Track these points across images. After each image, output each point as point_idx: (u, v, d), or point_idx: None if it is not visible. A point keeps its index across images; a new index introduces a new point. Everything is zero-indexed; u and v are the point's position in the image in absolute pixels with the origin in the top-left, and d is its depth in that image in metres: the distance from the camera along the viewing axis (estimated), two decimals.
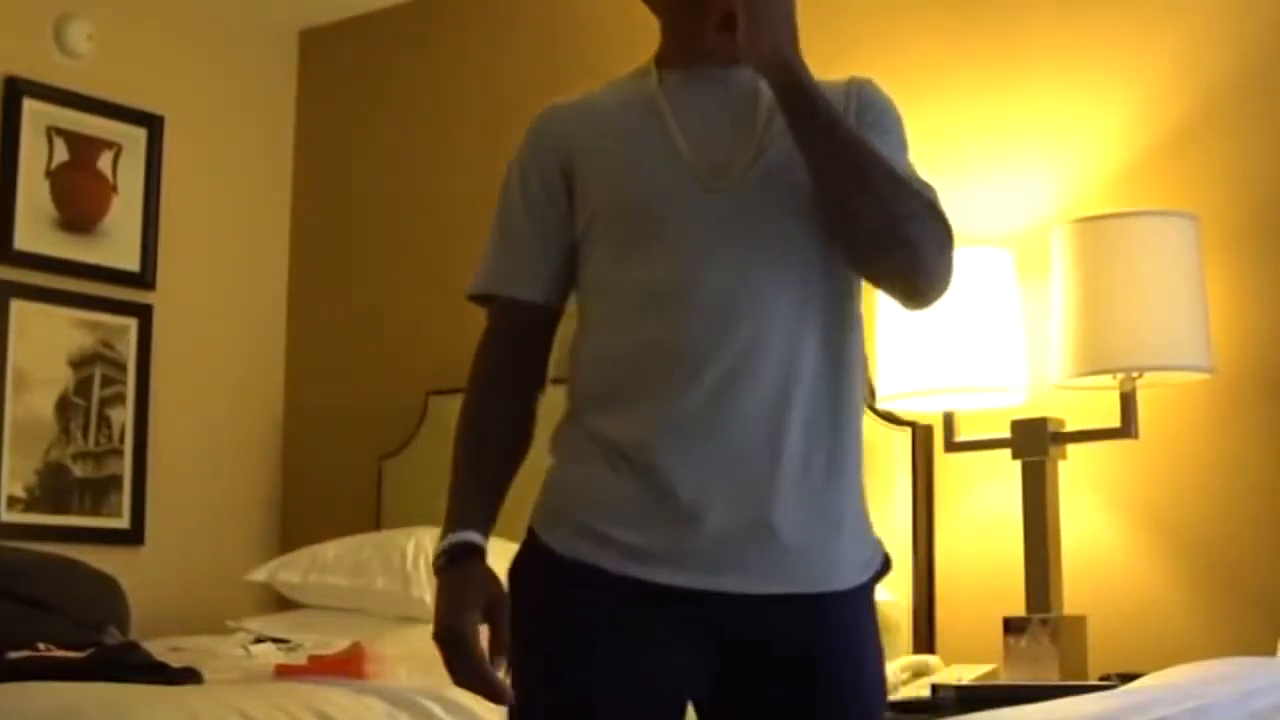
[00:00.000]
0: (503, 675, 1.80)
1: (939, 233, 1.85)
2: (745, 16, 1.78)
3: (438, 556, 1.85)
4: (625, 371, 1.86)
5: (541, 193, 1.95)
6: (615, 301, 1.88)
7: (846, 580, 1.87)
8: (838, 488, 1.87)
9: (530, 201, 1.96)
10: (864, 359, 1.96)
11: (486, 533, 1.87)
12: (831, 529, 1.86)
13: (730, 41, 1.80)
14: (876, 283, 1.91)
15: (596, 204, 1.91)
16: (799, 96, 1.81)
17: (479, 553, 1.84)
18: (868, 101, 1.95)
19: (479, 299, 2.00)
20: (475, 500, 1.89)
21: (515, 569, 1.90)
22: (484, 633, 1.81)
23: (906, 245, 1.83)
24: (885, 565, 1.95)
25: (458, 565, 1.83)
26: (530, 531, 1.90)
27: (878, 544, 1.95)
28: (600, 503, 1.84)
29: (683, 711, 1.87)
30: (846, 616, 1.88)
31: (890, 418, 3.67)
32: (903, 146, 1.96)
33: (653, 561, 1.81)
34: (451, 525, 1.86)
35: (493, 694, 1.80)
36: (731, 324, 1.81)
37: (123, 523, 4.48)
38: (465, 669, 1.80)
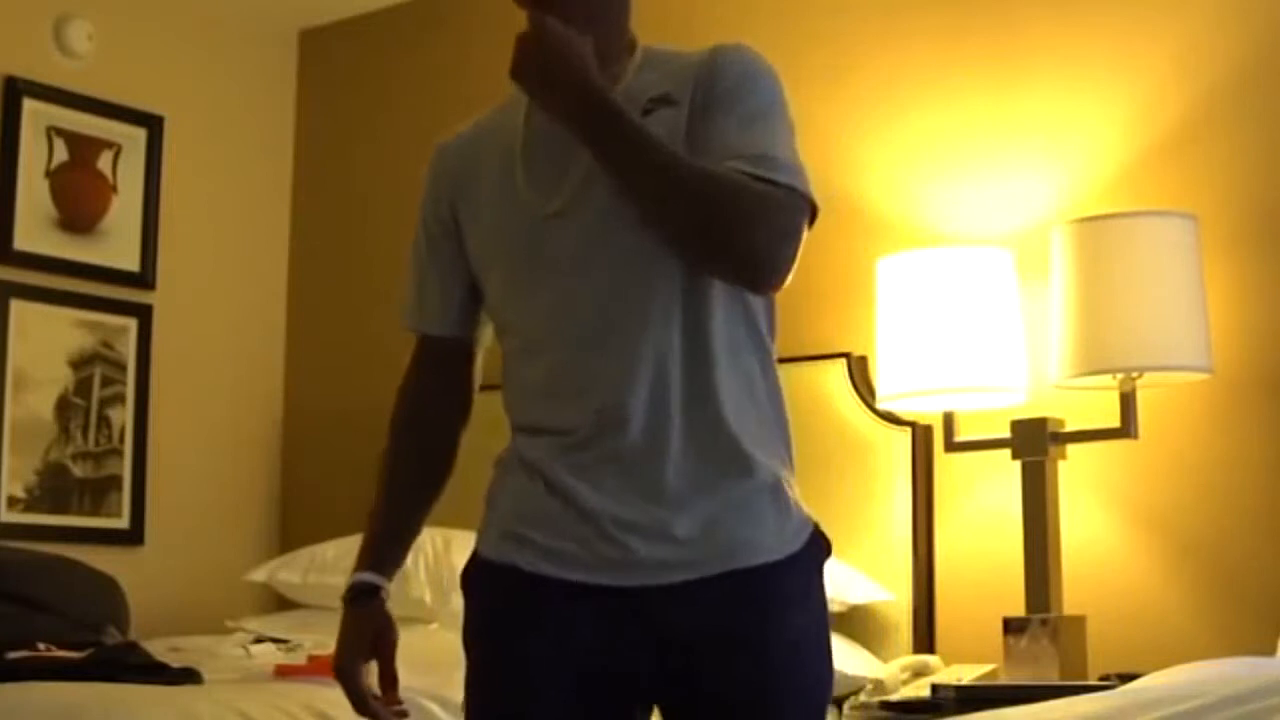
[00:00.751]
0: (396, 706, 1.97)
1: (761, 222, 1.82)
2: (525, 65, 1.88)
3: (344, 594, 2.03)
4: (530, 400, 1.95)
5: (438, 232, 2.06)
6: (507, 335, 1.99)
7: (749, 559, 1.88)
8: (733, 477, 1.89)
9: (430, 240, 2.07)
10: (758, 338, 1.95)
11: (389, 571, 2.03)
12: (731, 517, 1.88)
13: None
14: (713, 275, 1.89)
15: (470, 243, 2.01)
16: (592, 131, 1.83)
17: (374, 593, 2.00)
18: (720, 70, 1.91)
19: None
20: (380, 541, 2.04)
21: (463, 578, 2.03)
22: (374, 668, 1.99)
23: (731, 245, 1.84)
24: (817, 546, 1.96)
25: (353, 606, 2.01)
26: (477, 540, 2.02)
27: (803, 522, 1.95)
28: (519, 510, 1.94)
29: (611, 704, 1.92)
30: (761, 594, 1.89)
31: (890, 418, 3.67)
32: (761, 113, 1.90)
33: (567, 561, 1.89)
34: (359, 564, 2.03)
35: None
36: (601, 343, 1.88)
37: (122, 523, 4.48)
38: (354, 702, 1.98)
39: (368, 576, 2.01)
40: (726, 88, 1.89)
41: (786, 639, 1.90)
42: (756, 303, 1.94)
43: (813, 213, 1.88)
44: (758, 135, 1.87)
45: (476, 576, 2.00)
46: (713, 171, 1.82)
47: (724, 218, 1.81)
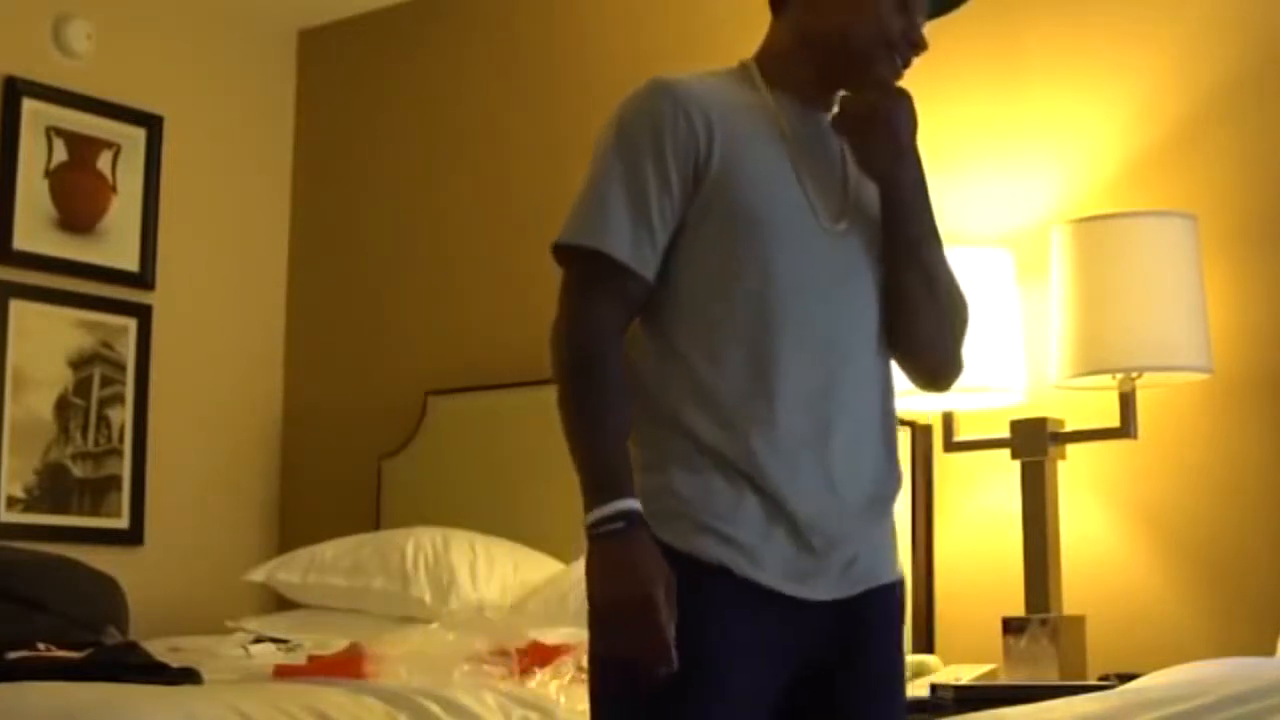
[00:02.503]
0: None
1: (964, 336, 2.06)
2: (861, 130, 1.99)
3: (603, 520, 1.82)
4: (734, 381, 1.89)
5: (676, 171, 1.90)
6: (725, 310, 1.90)
7: (890, 575, 2.00)
8: (890, 510, 2.02)
9: (663, 174, 1.90)
10: None
11: (637, 499, 1.84)
12: (885, 544, 2.01)
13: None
14: (909, 367, 2.07)
15: (726, 205, 1.91)
16: (900, 209, 2.01)
17: (645, 522, 1.83)
18: None
19: (579, 252, 1.91)
20: (622, 463, 1.86)
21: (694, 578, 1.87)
22: None
23: (947, 353, 2.05)
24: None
25: (630, 533, 1.81)
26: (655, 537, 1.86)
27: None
28: (723, 514, 1.87)
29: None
30: (889, 610, 2.00)
31: None
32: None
33: (765, 569, 1.87)
34: (610, 491, 1.83)
35: (669, 660, 1.79)
36: (836, 358, 1.93)
37: (122, 523, 4.48)
38: (646, 636, 1.78)
39: (630, 503, 1.82)
40: None
41: (900, 654, 2.04)
42: None
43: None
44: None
45: (699, 580, 1.85)
46: (957, 283, 2.07)
47: (955, 330, 2.06)
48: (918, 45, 2.07)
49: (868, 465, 1.96)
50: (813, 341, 1.91)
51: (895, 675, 2.02)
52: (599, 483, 1.83)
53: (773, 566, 1.87)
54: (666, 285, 1.92)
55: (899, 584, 2.01)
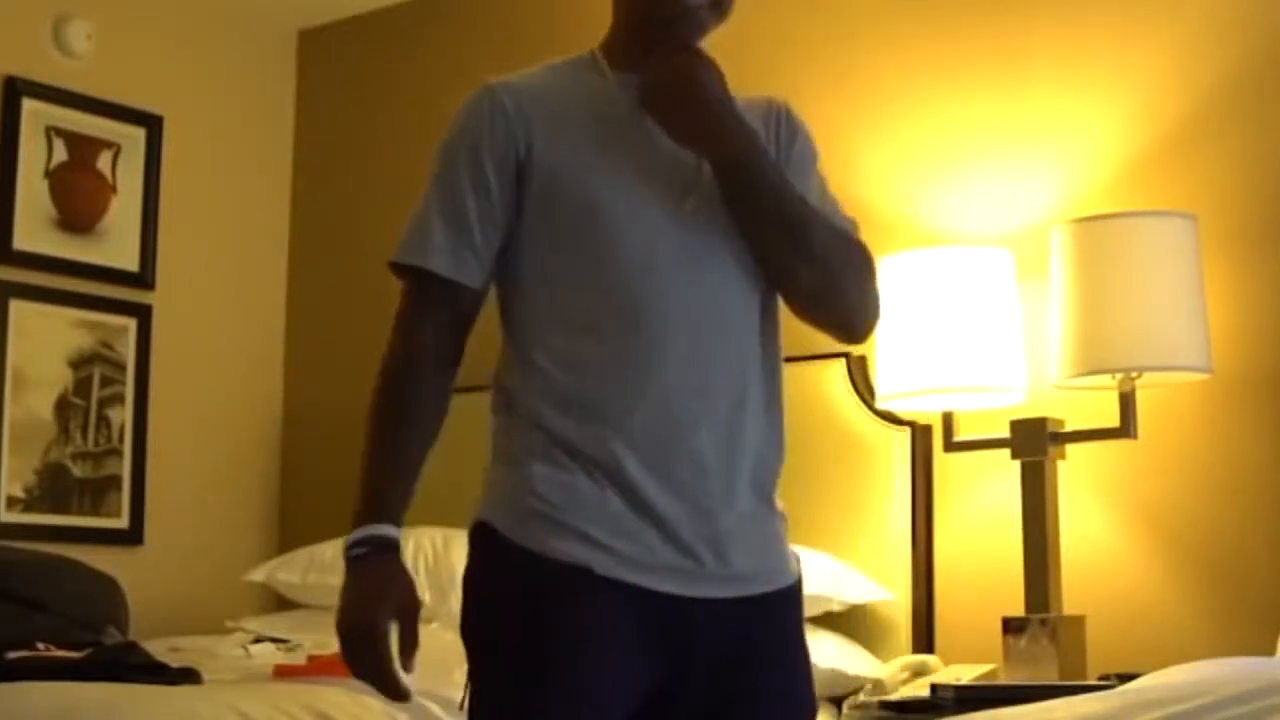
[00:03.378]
0: (409, 675, 1.81)
1: (868, 277, 1.96)
2: (661, 100, 1.87)
3: (352, 545, 1.85)
4: (591, 379, 1.86)
5: (494, 175, 1.90)
6: (574, 306, 1.87)
7: (779, 582, 1.93)
8: (774, 495, 1.94)
9: (480, 182, 1.91)
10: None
11: (401, 524, 1.87)
12: (771, 534, 1.93)
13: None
14: (814, 326, 1.98)
15: (556, 199, 1.88)
16: (735, 173, 1.87)
17: (396, 548, 1.85)
18: (793, 130, 2.02)
19: (405, 269, 1.94)
20: (394, 490, 1.88)
21: (483, 567, 1.90)
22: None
23: (844, 299, 1.94)
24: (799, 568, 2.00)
25: (373, 559, 1.83)
26: (492, 530, 1.88)
27: (793, 554, 2.00)
28: (578, 508, 1.84)
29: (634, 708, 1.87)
30: (779, 616, 1.93)
31: (890, 418, 3.67)
32: (822, 176, 2.04)
33: (634, 567, 1.83)
34: (370, 514, 1.85)
35: (395, 693, 1.81)
36: (698, 345, 1.86)
37: (122, 523, 4.48)
38: (371, 665, 1.80)
39: (387, 529, 1.84)
40: (801, 145, 2.02)
41: (803, 662, 1.97)
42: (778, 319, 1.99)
43: None
44: (832, 205, 2.01)
45: (517, 571, 1.85)
46: (835, 226, 1.94)
47: (845, 277, 1.93)
48: (718, 3, 1.93)
49: (746, 451, 1.88)
50: (665, 326, 1.85)
51: (793, 683, 1.94)
52: (360, 506, 1.87)
53: (640, 564, 1.82)
54: (514, 287, 1.93)
55: (793, 586, 1.94)
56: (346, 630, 1.82)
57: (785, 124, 2.01)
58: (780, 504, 1.97)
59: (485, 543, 1.90)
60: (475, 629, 1.88)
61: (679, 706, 1.86)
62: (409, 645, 1.82)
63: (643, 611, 1.82)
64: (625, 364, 1.85)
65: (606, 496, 1.83)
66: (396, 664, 1.79)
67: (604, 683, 1.81)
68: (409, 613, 1.82)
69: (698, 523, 1.84)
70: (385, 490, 1.88)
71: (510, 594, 1.86)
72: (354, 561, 1.85)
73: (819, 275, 1.90)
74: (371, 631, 1.79)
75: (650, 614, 1.82)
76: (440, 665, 3.30)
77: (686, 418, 1.85)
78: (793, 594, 1.94)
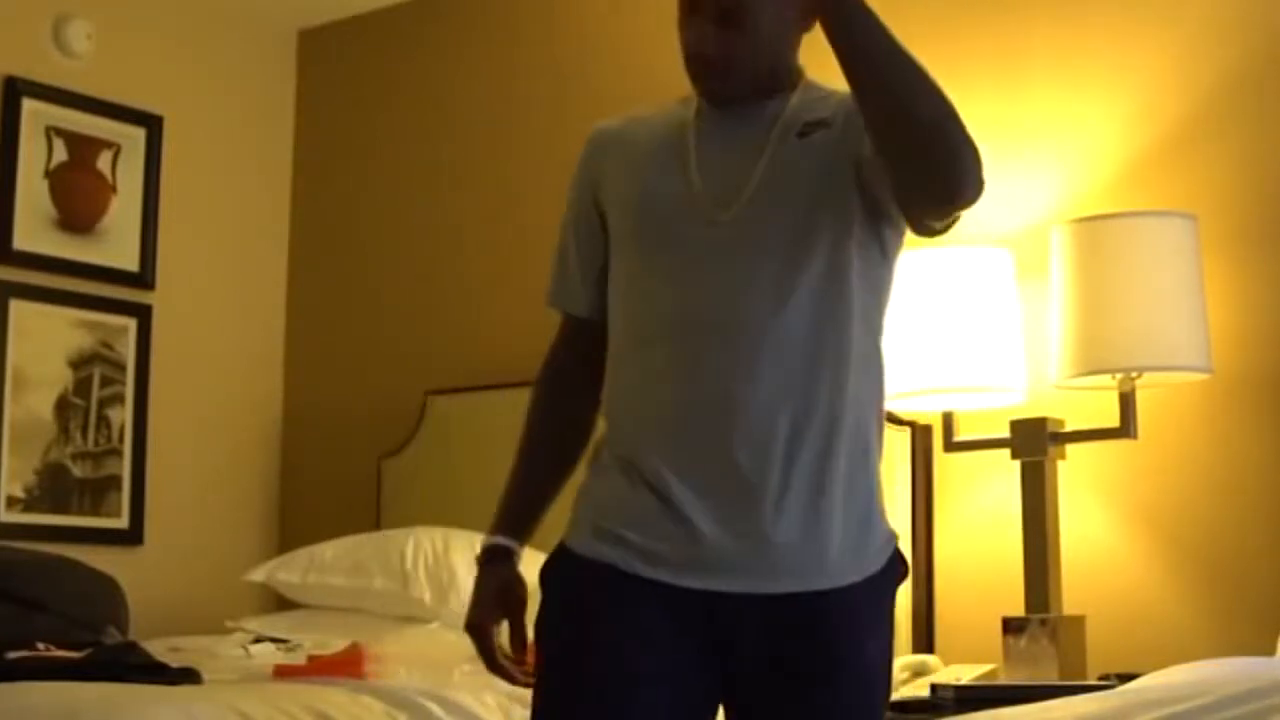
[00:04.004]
0: (526, 663, 2.01)
1: (970, 139, 1.90)
2: None
3: (478, 555, 2.07)
4: (635, 395, 1.97)
5: (582, 214, 2.08)
6: (626, 326, 2.00)
7: (836, 579, 1.91)
8: (831, 496, 1.92)
9: (576, 220, 2.10)
10: (878, 363, 2.01)
11: (521, 535, 2.06)
12: (824, 533, 1.91)
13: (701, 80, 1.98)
14: (922, 185, 1.89)
15: (615, 229, 2.03)
16: (842, 18, 1.84)
17: (507, 556, 2.04)
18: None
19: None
20: (515, 505, 2.08)
21: (542, 571, 2.01)
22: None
23: (951, 140, 1.85)
24: (894, 566, 1.99)
25: (484, 568, 2.05)
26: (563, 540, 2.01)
27: (885, 545, 1.98)
28: (616, 510, 1.94)
29: (701, 706, 1.94)
30: (839, 613, 1.92)
31: (890, 417, 3.67)
32: None
33: (662, 564, 1.90)
34: (493, 527, 2.07)
35: (509, 679, 2.04)
36: (736, 353, 1.90)
37: (122, 523, 4.48)
38: (486, 659, 2.03)
39: (500, 539, 2.05)
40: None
41: (859, 668, 1.94)
42: (880, 314, 2.00)
43: None
44: None
45: (561, 570, 1.98)
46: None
47: (957, 125, 1.85)
48: (691, 60, 1.98)
49: (776, 456, 1.89)
50: (687, 334, 1.91)
51: (835, 685, 1.92)
52: (493, 518, 2.08)
53: (671, 562, 1.89)
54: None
55: (853, 588, 1.92)
56: (467, 630, 2.04)
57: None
58: (867, 493, 1.97)
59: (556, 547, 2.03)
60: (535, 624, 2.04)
61: (736, 703, 1.94)
62: (520, 639, 2.03)
63: (684, 607, 1.89)
64: (649, 371, 1.95)
65: (639, 496, 1.92)
66: (500, 657, 2.02)
67: (650, 678, 1.89)
68: (514, 612, 2.04)
69: (725, 529, 1.88)
70: (504, 503, 2.08)
71: (548, 591, 2.01)
72: (477, 567, 2.07)
73: (931, 110, 1.84)
74: (474, 630, 2.03)
75: (692, 609, 1.89)
76: (440, 665, 3.30)
77: (712, 418, 1.89)
78: (845, 594, 1.92)
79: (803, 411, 1.90)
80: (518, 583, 2.04)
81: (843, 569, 1.92)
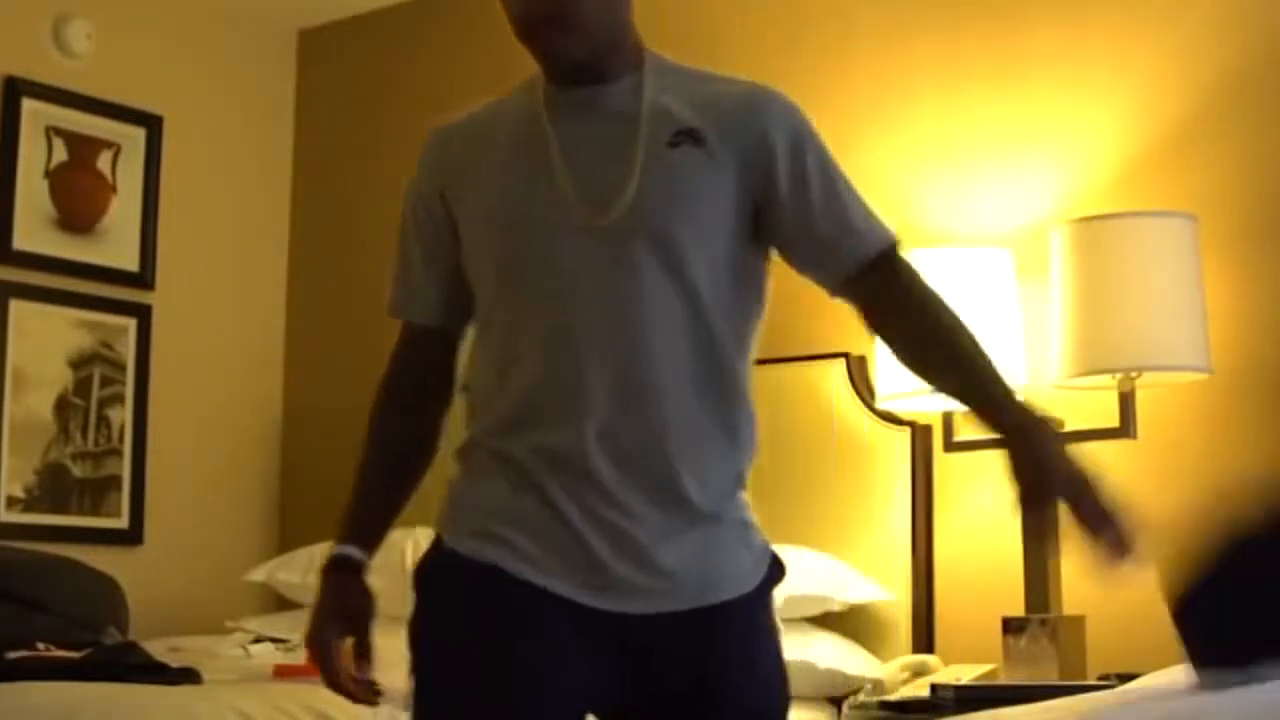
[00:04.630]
0: (370, 677, 1.94)
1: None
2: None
3: (322, 566, 2.00)
4: (513, 405, 1.90)
5: (427, 219, 2.02)
6: (503, 338, 1.92)
7: (727, 593, 1.90)
8: (717, 510, 1.90)
9: (419, 227, 2.03)
10: (743, 367, 1.96)
11: (369, 546, 2.01)
12: (709, 549, 1.90)
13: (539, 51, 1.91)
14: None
15: (474, 240, 1.95)
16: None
17: (352, 567, 1.98)
18: (775, 142, 1.91)
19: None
20: (362, 516, 2.04)
21: (419, 571, 1.97)
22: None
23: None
24: (775, 571, 1.98)
25: (332, 577, 1.98)
26: (437, 537, 1.96)
27: (764, 552, 1.97)
28: (502, 511, 1.89)
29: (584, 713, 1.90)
30: (734, 625, 1.91)
31: (890, 418, 3.67)
32: (830, 173, 1.96)
33: (552, 574, 1.86)
34: (339, 537, 2.01)
35: (354, 698, 1.95)
36: (610, 361, 1.85)
37: (121, 523, 4.48)
38: (326, 675, 1.94)
39: (347, 549, 1.99)
40: (795, 167, 1.91)
41: (762, 672, 1.94)
42: (751, 333, 1.95)
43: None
44: (848, 205, 1.96)
45: (446, 573, 1.93)
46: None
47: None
48: (523, 22, 1.89)
49: (660, 467, 1.85)
50: (564, 349, 1.86)
51: (758, 698, 1.92)
52: (339, 528, 2.03)
53: (554, 571, 1.85)
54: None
55: (736, 602, 1.90)
56: (305, 644, 1.97)
57: (756, 133, 1.91)
58: (739, 510, 1.94)
59: (430, 546, 2.02)
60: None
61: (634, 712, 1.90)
62: (364, 655, 1.94)
63: (565, 618, 1.85)
64: (542, 390, 1.88)
65: (523, 502, 1.88)
66: (344, 671, 1.93)
67: (534, 683, 1.85)
68: (358, 625, 1.95)
69: (615, 543, 1.85)
70: (350, 514, 2.05)
71: (439, 592, 1.97)
72: (319, 583, 2.00)
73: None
74: (314, 643, 1.94)
75: (571, 620, 1.85)
76: None
77: (593, 425, 1.85)
78: (741, 606, 1.91)
79: (680, 429, 1.86)
80: (364, 594, 1.96)
81: (734, 582, 1.91)
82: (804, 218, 1.91)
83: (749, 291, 1.94)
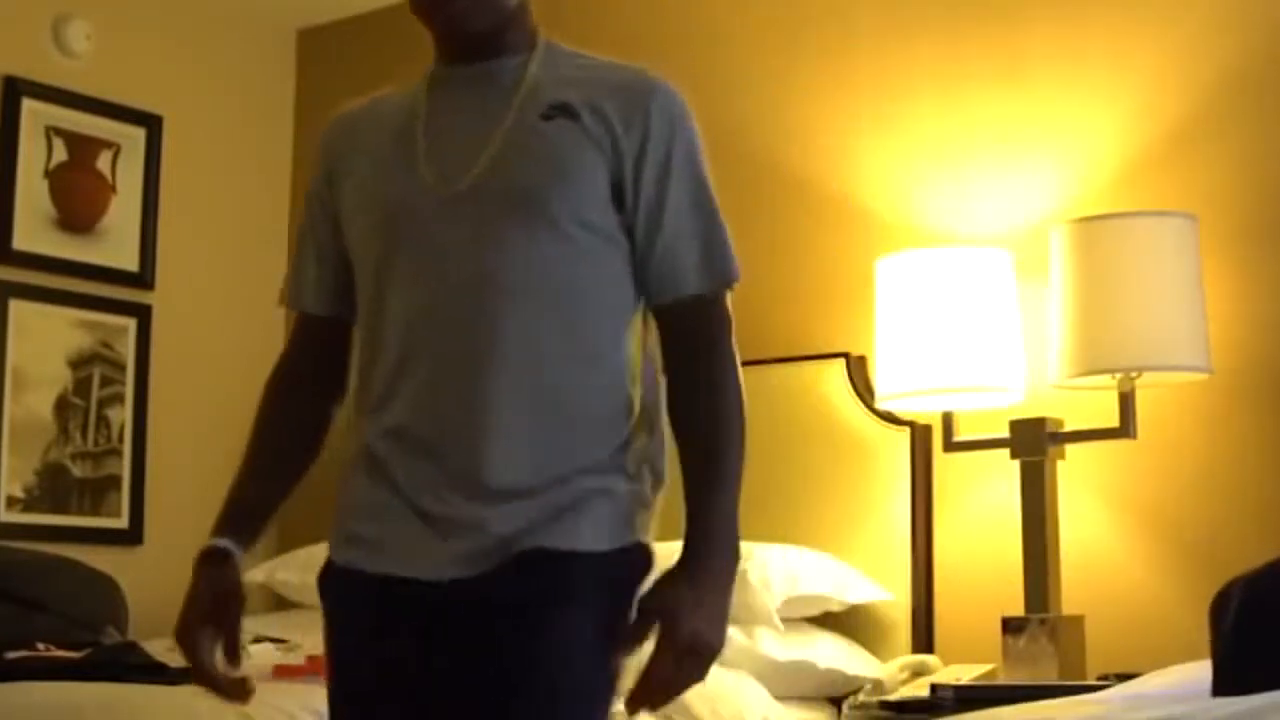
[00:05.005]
0: (241, 675, 1.88)
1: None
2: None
3: (195, 559, 1.96)
4: (375, 396, 1.90)
5: (319, 207, 2.00)
6: (372, 323, 1.91)
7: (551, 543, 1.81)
8: (560, 481, 1.83)
9: (312, 215, 2.01)
10: (630, 363, 1.89)
11: (244, 539, 1.97)
12: (545, 520, 1.82)
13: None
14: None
15: (348, 221, 1.93)
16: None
17: (225, 558, 1.94)
18: (659, 134, 1.87)
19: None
20: (239, 509, 2.01)
21: (317, 582, 1.97)
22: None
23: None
24: (623, 555, 1.86)
25: (204, 569, 1.93)
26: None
27: (617, 534, 1.86)
28: (358, 511, 1.92)
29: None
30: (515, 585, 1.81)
31: (889, 418, 3.67)
32: (698, 179, 1.90)
33: (383, 553, 1.86)
34: (214, 529, 1.98)
35: (223, 695, 1.89)
36: (457, 338, 1.83)
37: (121, 523, 4.48)
38: (195, 670, 1.89)
39: (219, 541, 1.95)
40: (668, 150, 1.87)
41: (553, 636, 1.80)
42: (608, 312, 1.89)
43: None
44: (705, 221, 1.88)
45: (324, 580, 1.96)
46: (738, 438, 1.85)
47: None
48: (416, 6, 1.92)
49: (496, 449, 1.80)
50: (418, 334, 1.84)
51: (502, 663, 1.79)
52: (215, 520, 2.00)
53: (396, 552, 1.84)
54: None
55: (548, 556, 1.79)
56: (174, 638, 1.91)
57: (637, 113, 1.87)
58: (604, 481, 1.84)
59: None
60: None
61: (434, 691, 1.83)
62: (231, 649, 1.89)
63: (406, 600, 1.83)
64: (375, 361, 1.89)
65: (376, 491, 1.89)
66: (209, 666, 1.87)
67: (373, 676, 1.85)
68: (228, 619, 1.89)
69: (444, 511, 1.82)
70: (227, 506, 2.02)
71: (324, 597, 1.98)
72: (192, 574, 1.95)
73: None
74: (185, 638, 1.88)
75: (411, 602, 1.82)
76: None
77: (431, 409, 1.84)
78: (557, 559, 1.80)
79: (533, 405, 1.81)
80: (234, 587, 1.91)
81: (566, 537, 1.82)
82: (652, 214, 1.85)
83: (608, 273, 1.87)
